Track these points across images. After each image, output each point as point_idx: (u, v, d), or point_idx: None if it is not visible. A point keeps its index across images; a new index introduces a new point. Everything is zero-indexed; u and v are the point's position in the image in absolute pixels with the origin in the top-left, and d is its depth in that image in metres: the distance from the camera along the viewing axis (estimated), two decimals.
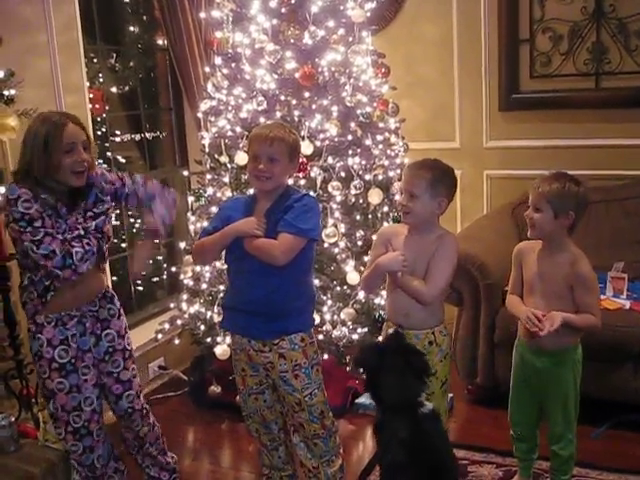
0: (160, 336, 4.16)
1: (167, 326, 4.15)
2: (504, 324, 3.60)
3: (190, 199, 4.14)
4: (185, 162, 4.95)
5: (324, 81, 3.79)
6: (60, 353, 2.70)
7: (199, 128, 4.32)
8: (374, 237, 3.75)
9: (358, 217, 3.80)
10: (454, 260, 2.80)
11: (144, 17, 4.80)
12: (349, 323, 3.76)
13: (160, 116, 5.03)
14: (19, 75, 3.21)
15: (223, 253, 2.85)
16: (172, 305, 4.22)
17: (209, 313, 3.91)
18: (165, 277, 4.93)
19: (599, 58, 4.27)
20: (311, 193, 3.25)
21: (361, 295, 3.78)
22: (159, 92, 5.00)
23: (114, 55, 4.68)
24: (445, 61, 4.65)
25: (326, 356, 3.66)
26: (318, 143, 3.69)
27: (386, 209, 3.96)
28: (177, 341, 4.23)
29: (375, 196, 3.81)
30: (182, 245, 4.11)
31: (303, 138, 3.56)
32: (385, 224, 3.88)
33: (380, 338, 2.98)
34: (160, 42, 4.80)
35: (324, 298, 3.73)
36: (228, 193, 3.78)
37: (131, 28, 4.73)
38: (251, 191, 3.31)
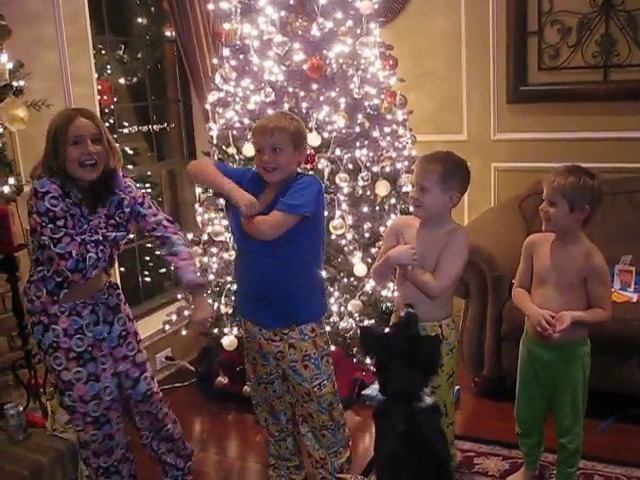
0: (167, 327, 4.18)
1: (174, 317, 4.16)
2: (511, 317, 3.60)
3: (198, 190, 4.14)
4: (193, 154, 4.95)
5: (332, 73, 3.79)
6: (77, 342, 2.72)
7: (207, 120, 4.32)
8: (382, 229, 3.79)
9: (365, 209, 3.80)
10: (464, 255, 2.81)
11: (152, 8, 4.81)
12: (356, 315, 3.76)
13: (168, 107, 5.04)
14: (28, 66, 3.22)
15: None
16: (179, 296, 4.22)
17: (216, 304, 3.92)
18: (172, 268, 4.93)
19: (608, 50, 4.26)
20: None
21: (368, 287, 3.79)
22: (167, 83, 5.01)
23: (122, 46, 4.69)
24: (453, 53, 4.64)
25: (333, 347, 3.66)
26: (326, 135, 3.69)
27: (393, 201, 3.95)
28: (184, 332, 4.24)
29: (382, 188, 3.81)
30: (190, 236, 4.11)
31: (311, 130, 3.56)
32: (392, 216, 3.88)
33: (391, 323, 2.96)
34: (168, 33, 4.81)
35: (331, 289, 3.73)
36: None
37: (139, 19, 4.75)
38: None
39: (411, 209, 2.97)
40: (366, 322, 3.78)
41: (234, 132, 3.87)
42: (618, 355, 3.46)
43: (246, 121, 3.83)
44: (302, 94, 3.77)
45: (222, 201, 3.84)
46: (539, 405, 2.96)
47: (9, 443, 3.08)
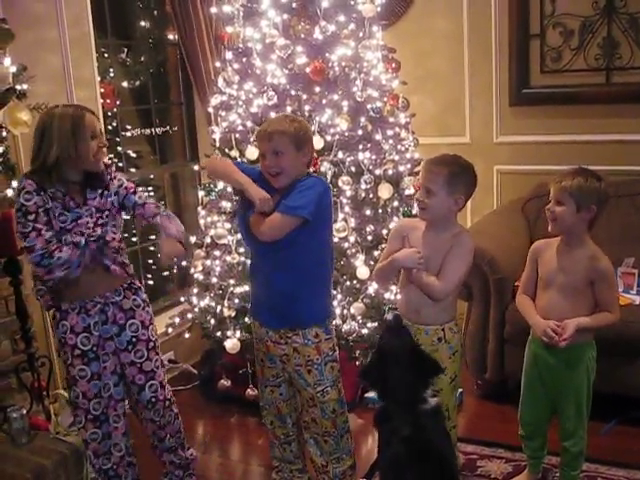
0: (170, 330, 4.18)
1: (177, 320, 4.17)
2: (514, 319, 3.59)
3: (200, 193, 4.15)
4: (195, 157, 4.96)
5: (334, 76, 3.79)
6: (82, 340, 2.76)
7: (209, 123, 4.33)
8: (384, 232, 3.78)
9: (368, 212, 3.80)
10: (469, 259, 2.80)
11: (155, 12, 4.81)
12: (359, 317, 3.76)
13: (171, 111, 5.05)
14: (31, 70, 3.23)
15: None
16: (182, 299, 4.23)
17: (219, 307, 3.92)
18: (175, 271, 4.95)
19: (610, 53, 4.26)
20: None
21: (371, 290, 3.79)
22: (170, 87, 5.01)
23: (125, 50, 4.69)
24: (455, 56, 4.65)
25: None
26: (328, 138, 3.69)
27: (396, 204, 3.95)
28: (187, 335, 4.24)
29: (385, 191, 3.81)
30: (192, 239, 4.12)
31: (313, 133, 3.56)
32: (395, 219, 3.88)
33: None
34: (171, 37, 4.80)
35: (334, 292, 3.73)
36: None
37: (142, 23, 4.74)
38: None
39: (416, 211, 2.96)
40: (369, 325, 3.78)
41: (237, 135, 3.88)
42: (621, 357, 3.46)
43: (249, 124, 3.84)
44: (305, 97, 3.78)
45: (225, 204, 3.87)
46: (543, 407, 2.96)
47: (12, 446, 3.08)
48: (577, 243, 2.77)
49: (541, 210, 4.03)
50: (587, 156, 4.06)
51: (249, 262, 3.33)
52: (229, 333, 3.85)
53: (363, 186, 3.75)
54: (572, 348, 2.75)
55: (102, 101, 4.05)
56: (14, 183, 3.15)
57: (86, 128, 2.63)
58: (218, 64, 4.22)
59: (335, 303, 3.72)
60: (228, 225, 3.86)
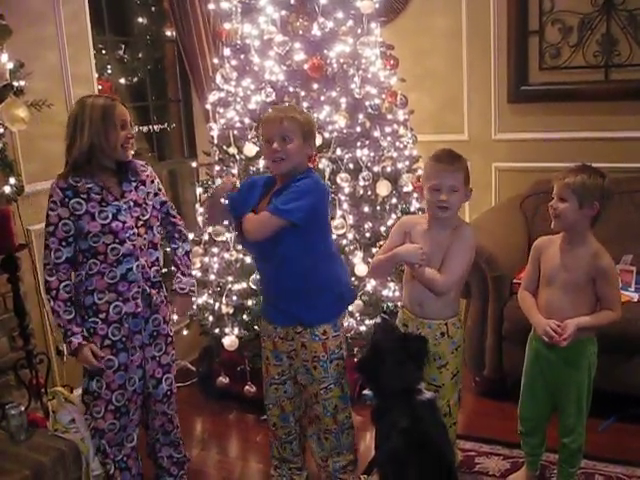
0: None
1: (175, 317, 4.15)
2: (512, 316, 3.60)
3: (198, 190, 4.14)
4: (193, 153, 4.95)
5: (333, 73, 3.79)
6: (113, 331, 2.79)
7: (207, 119, 4.33)
8: (382, 229, 3.78)
9: (366, 209, 3.80)
10: (471, 252, 2.84)
11: (153, 8, 4.79)
12: (357, 314, 3.76)
13: (168, 107, 5.04)
14: (28, 66, 3.22)
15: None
16: None
17: (217, 304, 3.92)
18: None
19: (609, 50, 4.26)
20: None
21: (369, 287, 3.79)
22: (167, 83, 5.00)
23: (123, 46, 4.68)
24: (454, 53, 4.64)
25: None
26: (327, 135, 3.69)
27: (394, 201, 3.95)
28: (185, 332, 4.24)
29: (383, 188, 3.80)
30: (191, 236, 4.11)
31: None
32: (393, 216, 3.88)
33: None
34: (169, 33, 4.79)
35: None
36: (236, 185, 3.78)
37: (140, 19, 4.73)
38: None
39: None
40: (367, 322, 3.78)
41: (235, 132, 3.87)
42: (619, 355, 3.46)
43: (247, 121, 3.83)
44: (303, 94, 3.77)
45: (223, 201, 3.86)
46: (544, 404, 2.97)
47: (10, 443, 3.07)
48: (579, 240, 2.77)
49: (539, 207, 4.05)
50: (585, 153, 4.05)
51: (248, 259, 3.35)
52: (227, 330, 3.84)
53: (361, 183, 3.75)
54: (573, 345, 2.75)
55: None
56: (11, 180, 3.15)
57: (116, 117, 2.71)
58: (216, 61, 4.21)
59: None
60: (226, 222, 3.85)
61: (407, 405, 2.59)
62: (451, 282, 2.78)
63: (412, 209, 4.03)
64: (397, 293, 3.80)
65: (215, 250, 3.94)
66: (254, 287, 3.71)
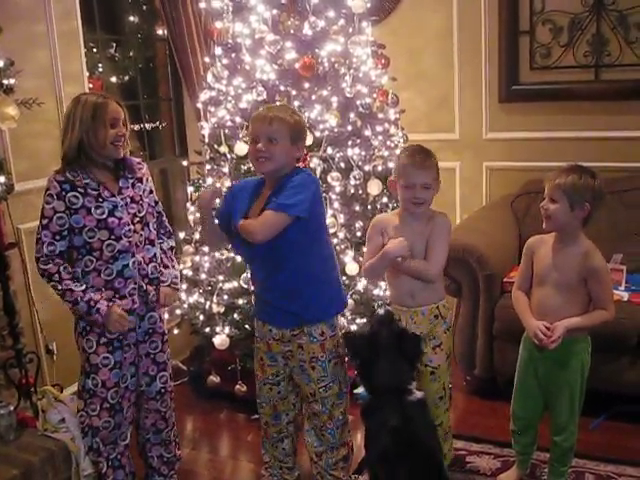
0: None
1: (166, 316, 4.14)
2: (503, 315, 3.61)
3: (189, 189, 4.13)
4: (184, 152, 4.95)
5: (324, 72, 3.78)
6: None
7: (199, 118, 4.31)
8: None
9: (357, 208, 3.80)
10: (449, 237, 2.97)
11: (144, 7, 4.79)
12: (348, 313, 3.76)
13: (160, 106, 5.03)
14: (19, 64, 3.20)
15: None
16: None
17: (208, 303, 3.91)
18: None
19: (599, 50, 4.27)
20: None
21: (360, 286, 3.79)
22: (159, 82, 5.00)
23: (114, 45, 4.67)
24: (445, 52, 4.65)
25: None
26: (318, 134, 3.69)
27: (385, 200, 3.95)
28: (176, 331, 4.23)
29: (374, 187, 3.81)
30: (181, 235, 4.10)
31: None
32: None
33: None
34: (160, 32, 4.79)
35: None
36: (227, 183, 3.78)
37: (131, 18, 4.72)
38: None
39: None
40: (358, 320, 3.78)
41: (226, 131, 3.87)
42: (609, 353, 3.46)
43: (238, 120, 3.83)
44: (294, 93, 3.77)
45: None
46: (536, 402, 2.97)
47: (0, 443, 3.06)
48: (571, 240, 2.77)
49: (530, 206, 4.06)
50: (576, 153, 4.08)
51: (238, 258, 3.33)
52: (218, 329, 3.84)
53: (352, 182, 3.75)
54: (566, 343, 2.75)
55: None
56: (1, 178, 3.14)
57: (107, 115, 2.72)
58: (207, 59, 4.21)
59: None
60: (217, 221, 3.84)
61: (397, 404, 2.60)
62: (440, 267, 2.93)
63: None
64: (388, 292, 3.79)
65: (206, 249, 3.94)
66: (245, 286, 3.70)
